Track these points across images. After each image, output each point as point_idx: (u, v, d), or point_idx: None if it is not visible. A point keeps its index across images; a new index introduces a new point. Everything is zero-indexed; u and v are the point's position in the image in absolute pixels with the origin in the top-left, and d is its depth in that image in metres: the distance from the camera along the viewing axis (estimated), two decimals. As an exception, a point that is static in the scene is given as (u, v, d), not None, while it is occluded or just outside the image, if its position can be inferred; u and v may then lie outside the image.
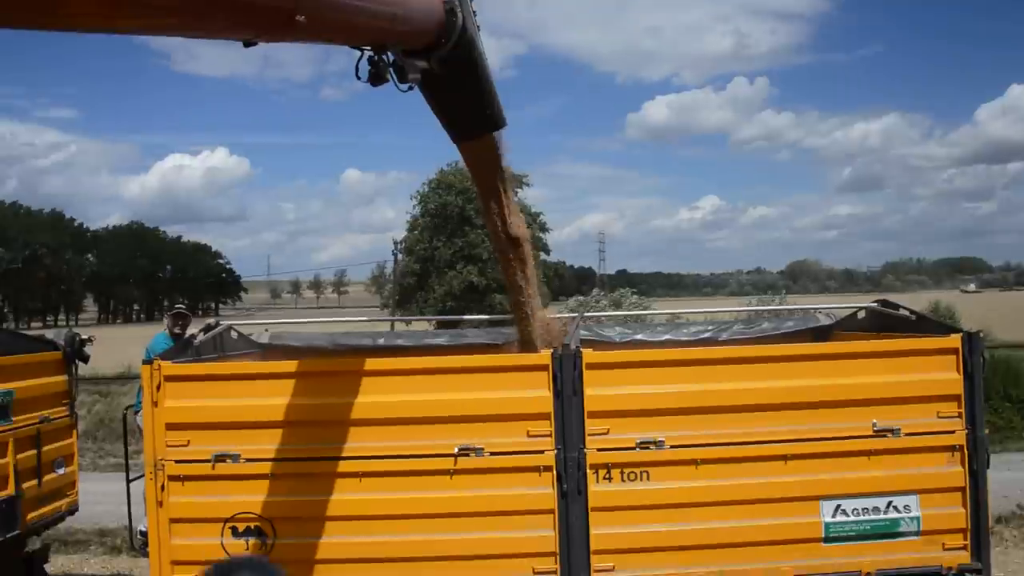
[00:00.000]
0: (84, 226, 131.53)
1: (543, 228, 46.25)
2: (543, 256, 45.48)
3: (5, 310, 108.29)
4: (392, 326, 24.43)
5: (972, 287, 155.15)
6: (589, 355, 5.98)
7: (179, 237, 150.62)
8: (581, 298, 31.09)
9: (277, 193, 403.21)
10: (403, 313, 41.75)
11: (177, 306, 8.74)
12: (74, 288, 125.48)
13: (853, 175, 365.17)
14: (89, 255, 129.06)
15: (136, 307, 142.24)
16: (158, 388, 5.87)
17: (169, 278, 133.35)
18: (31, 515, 8.01)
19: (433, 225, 42.15)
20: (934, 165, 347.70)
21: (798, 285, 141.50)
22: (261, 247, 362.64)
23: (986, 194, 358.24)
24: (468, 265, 40.79)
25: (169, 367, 5.94)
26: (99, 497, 10.22)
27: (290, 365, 6.16)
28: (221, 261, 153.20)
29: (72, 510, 8.82)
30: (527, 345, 6.80)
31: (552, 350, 6.00)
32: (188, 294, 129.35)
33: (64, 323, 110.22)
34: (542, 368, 5.92)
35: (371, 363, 6.13)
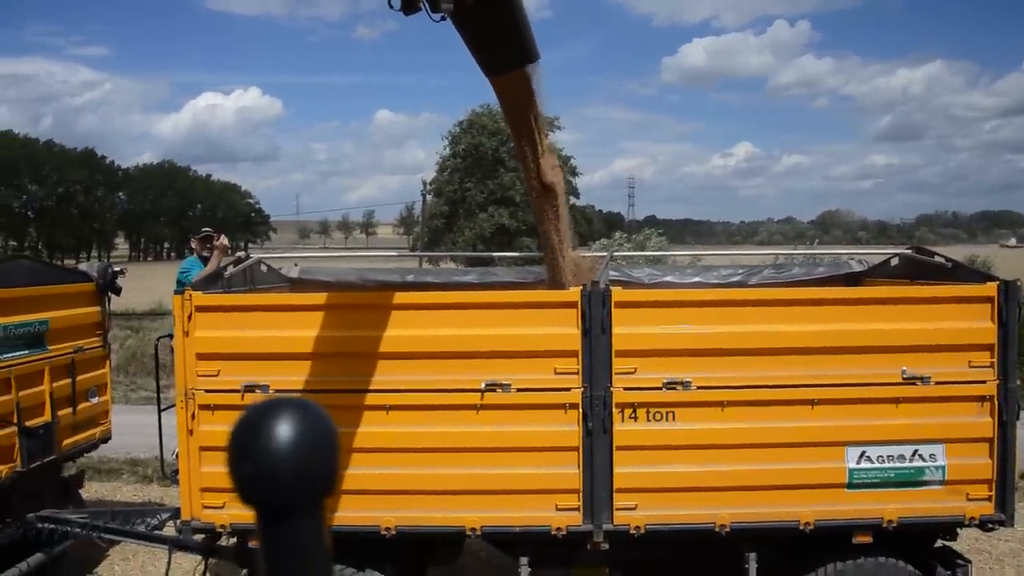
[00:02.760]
0: (116, 164, 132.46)
1: (573, 172, 45.81)
2: (573, 200, 45.19)
3: (39, 246, 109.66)
4: (420, 264, 24.48)
5: (1013, 242, 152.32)
6: (618, 293, 5.95)
7: (209, 176, 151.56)
8: (605, 241, 30.91)
9: (309, 133, 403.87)
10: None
11: (204, 229, 8.83)
12: (106, 226, 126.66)
13: (892, 124, 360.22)
14: (120, 193, 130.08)
15: (166, 245, 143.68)
16: (189, 318, 5.93)
17: (199, 217, 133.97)
18: (66, 442, 8.22)
19: (464, 167, 41.89)
20: (977, 115, 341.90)
21: (829, 235, 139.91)
22: (291, 187, 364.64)
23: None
24: (499, 207, 40.60)
25: (200, 297, 5.99)
26: (131, 429, 10.43)
27: (320, 298, 6.19)
28: (250, 201, 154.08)
29: (105, 438, 9.02)
30: (556, 282, 6.79)
31: (581, 287, 5.98)
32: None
33: (98, 260, 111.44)
34: (571, 305, 5.90)
35: (400, 297, 6.14)
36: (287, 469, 1.04)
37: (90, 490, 10.43)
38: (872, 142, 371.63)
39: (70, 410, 8.18)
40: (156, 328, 20.14)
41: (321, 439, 1.07)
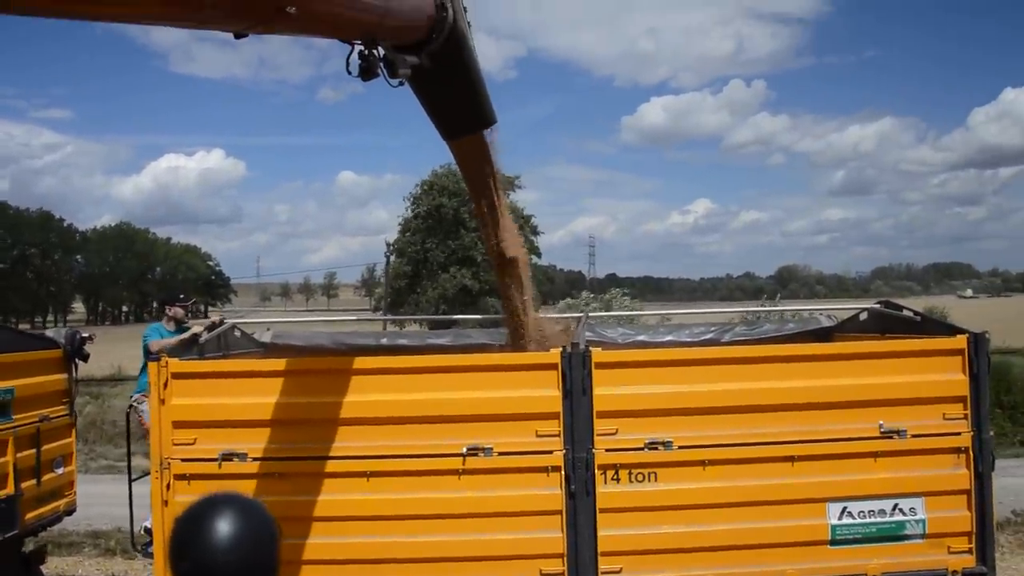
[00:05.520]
0: (72, 226, 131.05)
1: (534, 231, 46.25)
2: (534, 259, 45.45)
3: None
4: (384, 327, 24.33)
5: (969, 292, 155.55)
6: (598, 354, 5.95)
7: (168, 238, 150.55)
8: (570, 301, 30.90)
9: (272, 195, 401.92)
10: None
11: (181, 296, 8.62)
12: (63, 289, 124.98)
13: (845, 179, 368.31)
14: (78, 256, 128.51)
15: (124, 308, 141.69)
16: (165, 385, 5.83)
17: (158, 280, 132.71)
18: (30, 515, 7.94)
19: (426, 227, 42.10)
20: (926, 169, 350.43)
21: (787, 290, 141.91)
22: (252, 249, 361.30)
23: (976, 199, 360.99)
24: (462, 268, 40.74)
25: (177, 364, 5.90)
26: (92, 499, 10.13)
27: (299, 363, 6.14)
28: (211, 263, 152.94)
29: (70, 510, 8.74)
30: (519, 345, 6.80)
31: (562, 349, 5.98)
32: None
33: (53, 324, 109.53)
34: (551, 367, 5.89)
35: (379, 361, 6.11)
36: (225, 564, 1.03)
37: (50, 565, 10.06)
38: (826, 197, 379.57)
39: (34, 481, 7.94)
40: (116, 394, 19.76)
41: (260, 535, 1.07)
